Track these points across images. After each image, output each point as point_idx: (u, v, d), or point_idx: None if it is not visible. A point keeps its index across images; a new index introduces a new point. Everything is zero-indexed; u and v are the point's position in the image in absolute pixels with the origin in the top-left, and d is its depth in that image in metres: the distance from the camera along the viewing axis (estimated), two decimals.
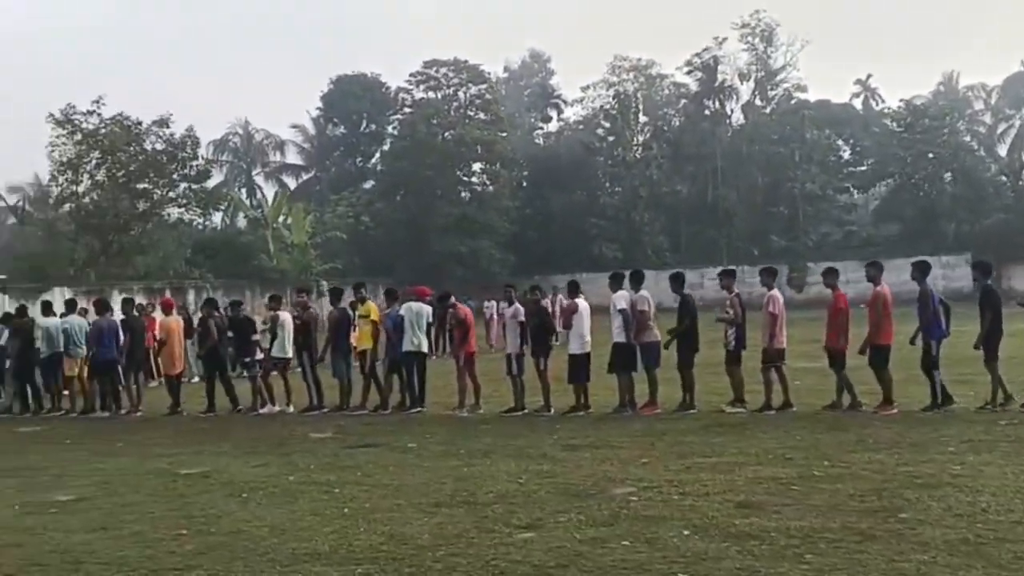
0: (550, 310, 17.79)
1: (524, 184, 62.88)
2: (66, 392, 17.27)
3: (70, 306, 17.88)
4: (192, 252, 45.03)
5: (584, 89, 65.61)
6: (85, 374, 16.91)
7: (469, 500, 8.38)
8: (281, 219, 51.18)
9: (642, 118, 63.59)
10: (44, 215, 45.22)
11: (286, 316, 16.68)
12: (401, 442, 11.93)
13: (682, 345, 13.50)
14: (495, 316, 28.28)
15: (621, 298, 13.56)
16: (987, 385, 12.59)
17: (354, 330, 16.03)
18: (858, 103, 70.10)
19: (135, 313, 17.82)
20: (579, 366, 13.89)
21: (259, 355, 16.65)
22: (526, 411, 14.16)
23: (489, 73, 62.34)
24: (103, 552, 7.24)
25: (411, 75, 60.53)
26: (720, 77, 61.94)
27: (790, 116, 59.58)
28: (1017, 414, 11.86)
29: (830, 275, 13.68)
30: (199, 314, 18.25)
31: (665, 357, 13.69)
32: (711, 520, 7.16)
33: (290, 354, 16.41)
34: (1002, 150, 61.52)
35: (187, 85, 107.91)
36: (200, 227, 51.51)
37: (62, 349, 16.83)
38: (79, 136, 38.74)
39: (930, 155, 55.44)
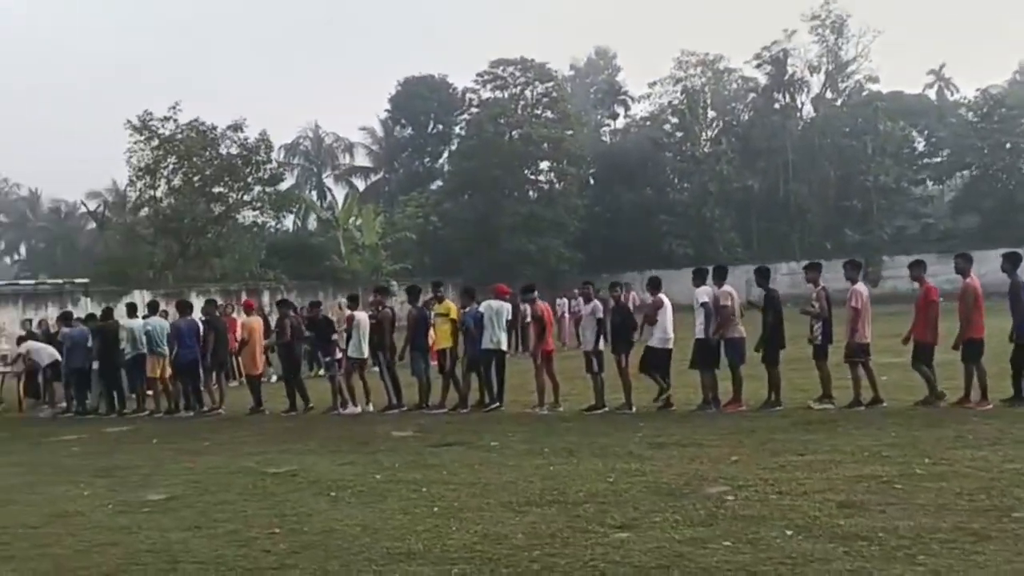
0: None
1: (592, 182, 62.58)
2: (150, 392, 17.59)
3: (152, 308, 18.18)
4: (266, 254, 45.69)
5: (651, 85, 65.13)
6: (168, 374, 17.18)
7: (559, 499, 8.27)
8: (352, 220, 51.71)
9: (710, 113, 62.88)
10: (123, 220, 46.31)
11: (362, 316, 16.74)
12: (483, 441, 11.86)
13: (767, 341, 13.20)
14: (567, 314, 28.13)
15: (703, 293, 13.34)
16: None
17: (432, 329, 16.03)
18: (932, 93, 68.52)
19: (217, 313, 18.03)
20: (655, 357, 13.70)
21: (339, 355, 16.76)
22: (607, 409, 14.01)
23: (556, 71, 62.21)
24: (199, 551, 7.29)
25: (478, 75, 60.64)
26: (790, 70, 60.94)
27: (862, 108, 58.35)
28: None
29: (917, 267, 13.28)
30: (274, 314, 18.53)
31: (749, 354, 13.42)
32: (813, 520, 6.95)
33: (366, 354, 16.51)
34: None
35: (259, 90, 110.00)
36: (273, 230, 52.29)
37: (145, 350, 17.12)
38: (156, 142, 39.57)
39: (1008, 145, 53.90)
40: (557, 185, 59.54)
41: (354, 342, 16.30)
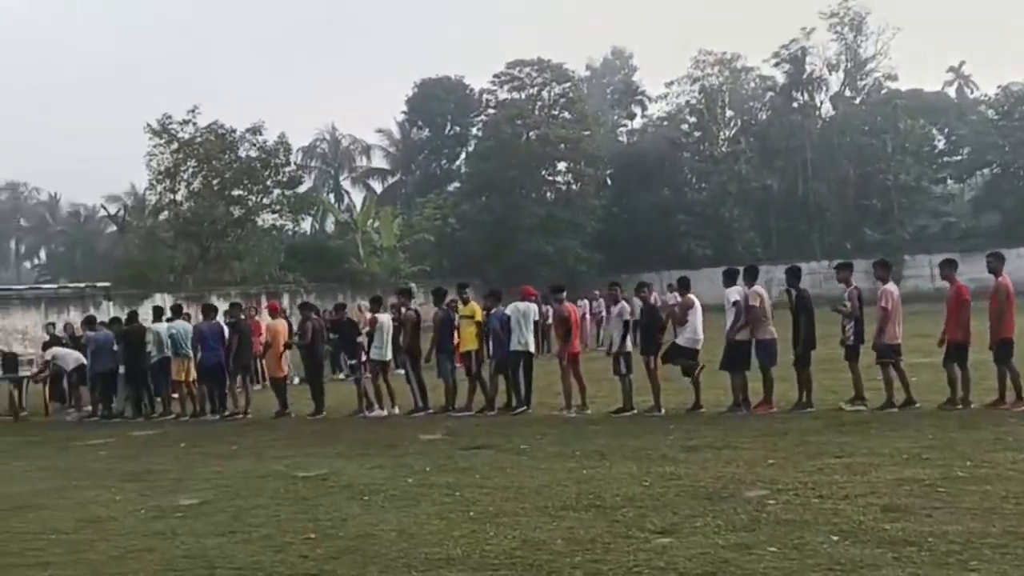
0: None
1: (609, 182, 62.47)
2: (175, 396, 17.60)
3: (176, 311, 18.20)
4: (285, 257, 45.84)
5: (668, 85, 64.99)
6: (193, 378, 17.18)
7: (596, 504, 8.17)
8: (370, 223, 51.80)
9: (728, 112, 62.69)
10: (142, 223, 46.57)
11: (384, 318, 16.69)
12: (513, 444, 11.77)
13: (798, 342, 13.07)
14: (587, 315, 28.00)
15: (734, 292, 13.23)
16: None
17: (456, 331, 15.96)
18: (951, 91, 68.08)
19: (242, 316, 18.02)
20: (680, 352, 13.60)
21: (364, 357, 16.73)
22: (635, 411, 13.90)
23: (572, 72, 62.12)
24: (235, 557, 7.23)
25: (495, 76, 60.69)
26: (808, 68, 60.67)
27: (881, 106, 58.06)
28: None
29: (948, 266, 13.11)
30: (295, 318, 18.52)
31: (784, 356, 13.30)
32: (859, 525, 6.84)
33: (388, 356, 16.47)
34: None
35: (275, 93, 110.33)
36: (291, 233, 52.50)
37: (170, 353, 17.14)
38: (175, 145, 39.74)
39: None
40: (574, 186, 59.46)
41: (377, 344, 16.25)
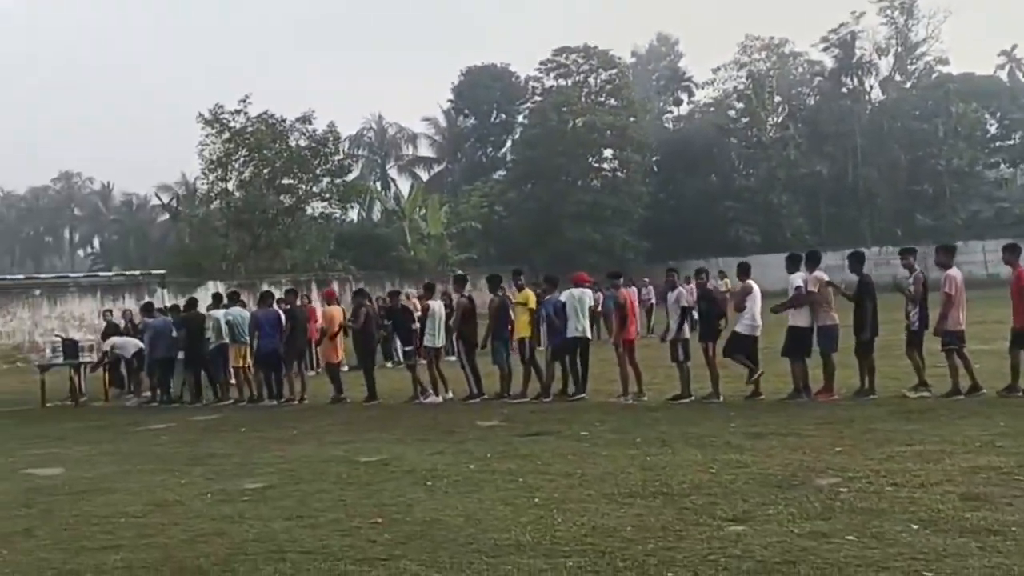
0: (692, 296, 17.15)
1: (656, 169, 62.04)
2: (233, 382, 17.78)
3: (233, 298, 18.39)
4: (334, 245, 46.09)
5: (715, 71, 64.52)
6: (250, 364, 17.34)
7: (663, 491, 8.09)
8: (417, 211, 51.93)
9: (776, 98, 61.91)
10: (194, 212, 47.12)
11: (437, 305, 16.72)
12: (572, 430, 11.72)
13: (860, 329, 12.86)
14: (634, 302, 27.72)
15: (797, 278, 13.03)
16: None
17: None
18: (1003, 75, 66.66)
19: (298, 303, 18.13)
20: (740, 343, 13.44)
21: (418, 344, 16.75)
22: (692, 398, 13.79)
23: (619, 58, 61.70)
24: (304, 541, 7.25)
25: (541, 63, 60.50)
26: (858, 53, 59.74)
27: (932, 90, 57.07)
28: None
29: (1010, 251, 12.81)
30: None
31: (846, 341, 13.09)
32: (938, 514, 6.69)
33: (440, 343, 16.49)
34: None
35: (323, 83, 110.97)
36: (339, 221, 52.80)
37: (227, 340, 17.32)
38: (227, 135, 40.08)
39: None
40: (620, 173, 59.10)
41: (429, 331, 16.28)
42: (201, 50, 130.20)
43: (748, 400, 13.28)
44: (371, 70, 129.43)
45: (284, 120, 41.37)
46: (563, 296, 15.00)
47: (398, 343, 20.36)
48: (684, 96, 70.65)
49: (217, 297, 18.67)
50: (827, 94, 60.37)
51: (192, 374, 18.00)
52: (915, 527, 6.42)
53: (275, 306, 17.69)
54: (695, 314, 14.94)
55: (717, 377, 13.69)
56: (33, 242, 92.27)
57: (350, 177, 48.52)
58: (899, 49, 59.31)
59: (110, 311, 22.96)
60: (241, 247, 41.68)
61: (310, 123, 41.49)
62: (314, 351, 20.16)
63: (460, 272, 22.30)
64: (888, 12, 58.61)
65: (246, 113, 40.30)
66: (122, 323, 20.86)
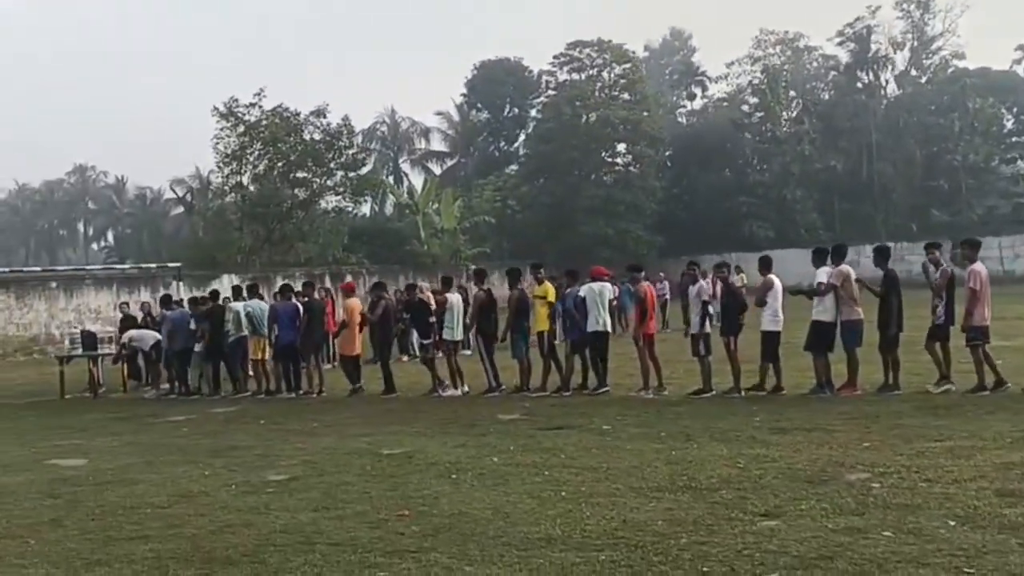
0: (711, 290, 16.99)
1: (669, 164, 61.81)
2: (251, 374, 17.79)
3: (252, 290, 18.40)
4: (348, 239, 46.09)
5: (728, 65, 64.15)
6: (269, 356, 17.35)
7: (691, 485, 8.04)
8: (431, 205, 51.87)
9: (790, 93, 61.57)
10: (209, 206, 47.20)
11: (455, 299, 16.68)
12: (595, 424, 11.67)
13: (885, 324, 12.76)
14: (654, 297, 27.63)
15: (823, 274, 12.93)
16: None
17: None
18: (1020, 70, 66.10)
19: (316, 296, 18.12)
20: (773, 343, 13.33)
21: (435, 337, 16.71)
22: (714, 393, 13.71)
23: (633, 52, 61.47)
24: (332, 532, 7.23)
25: (554, 57, 60.21)
26: (873, 47, 59.37)
27: (948, 85, 56.62)
28: None
29: None
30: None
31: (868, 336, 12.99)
32: (974, 510, 6.63)
33: (459, 336, 16.45)
34: None
35: (336, 77, 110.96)
36: (351, 214, 52.81)
37: (247, 332, 17.32)
38: (242, 128, 40.09)
39: None
40: (634, 168, 58.84)
41: (448, 324, 16.24)
42: (214, 44, 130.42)
43: (770, 395, 13.18)
44: (384, 64, 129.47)
45: (298, 114, 41.40)
46: (582, 290, 14.93)
47: (415, 336, 20.32)
48: (697, 91, 70.36)
49: (236, 290, 18.69)
50: (842, 89, 59.99)
51: (212, 366, 18.00)
52: (952, 523, 6.36)
53: (293, 299, 17.70)
54: (711, 308, 14.83)
55: (739, 372, 13.61)
56: (47, 235, 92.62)
57: (364, 171, 48.48)
58: (915, 43, 58.89)
59: (126, 303, 23.04)
60: (255, 240, 41.72)
61: (324, 116, 41.56)
62: (331, 344, 20.10)
63: (478, 266, 22.17)
64: (904, 6, 58.23)
65: (260, 107, 40.36)
66: (140, 315, 20.87)
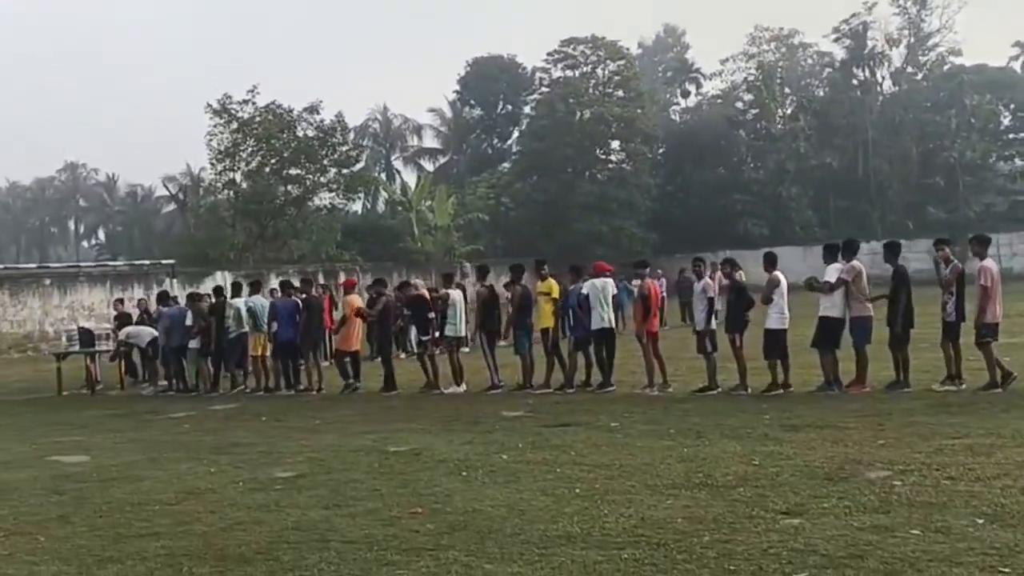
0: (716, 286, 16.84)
1: (663, 161, 61.73)
2: (250, 370, 17.63)
3: (255, 287, 18.30)
4: (341, 236, 45.91)
5: (723, 62, 64.18)
6: (268, 353, 17.20)
7: (707, 483, 7.92)
8: (424, 202, 51.69)
9: (785, 90, 61.56)
10: (201, 203, 46.98)
11: (457, 295, 16.55)
12: (602, 421, 11.55)
13: (893, 321, 12.66)
14: (659, 294, 27.48)
15: (834, 270, 12.81)
16: None
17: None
18: (1017, 66, 66.20)
19: (314, 292, 17.97)
20: (777, 341, 13.23)
21: (432, 334, 16.58)
22: (720, 390, 13.60)
23: (627, 49, 61.38)
24: (345, 530, 7.10)
25: (548, 54, 60.11)
26: (869, 43, 59.39)
27: (945, 82, 56.67)
28: None
29: None
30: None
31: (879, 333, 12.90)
32: (1002, 508, 6.52)
33: (462, 332, 16.32)
34: None
35: (328, 74, 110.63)
36: (344, 212, 52.60)
37: (248, 328, 17.18)
38: (235, 125, 39.88)
39: None
40: (627, 165, 58.71)
41: (450, 321, 16.10)
42: (207, 41, 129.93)
43: (774, 392, 13.07)
44: (377, 61, 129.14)
45: (292, 110, 41.19)
46: (585, 287, 14.79)
47: (413, 333, 20.18)
48: (692, 88, 70.33)
49: (236, 286, 18.54)
50: (838, 86, 60.00)
51: (214, 362, 17.85)
52: (980, 521, 6.25)
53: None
54: (717, 304, 14.69)
55: (745, 369, 13.49)
56: (38, 232, 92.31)
57: (356, 168, 48.28)
58: (911, 40, 58.90)
59: (121, 300, 22.76)
60: (248, 237, 41.52)
61: (318, 113, 41.40)
62: (330, 341, 19.94)
63: (480, 263, 22.04)
64: (900, 2, 58.24)
65: (254, 103, 40.17)
66: (136, 312, 20.69)
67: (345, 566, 6.22)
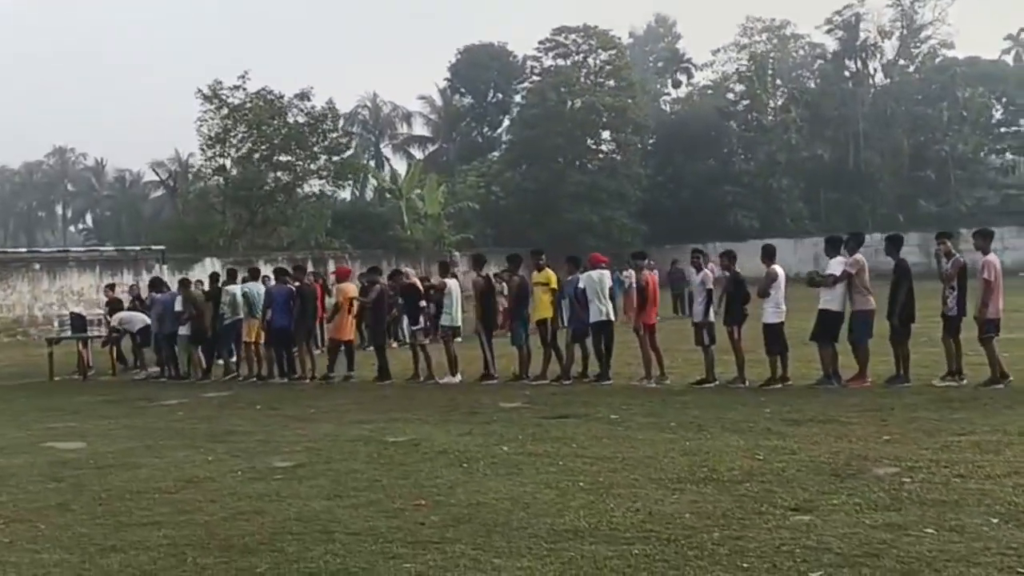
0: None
1: (654, 151, 61.59)
2: (243, 357, 17.51)
3: (254, 274, 18.21)
4: (331, 223, 45.65)
5: (714, 53, 64.09)
6: (262, 340, 17.08)
7: (712, 477, 7.85)
8: (414, 190, 51.42)
9: (777, 81, 61.48)
10: (191, 188, 46.65)
11: (454, 284, 16.44)
12: (601, 413, 11.47)
13: (890, 314, 12.61)
14: (633, 286, 27.40)
15: (837, 263, 12.74)
16: None
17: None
18: (1009, 59, 66.38)
19: (307, 280, 17.84)
20: (776, 335, 13.16)
21: (424, 323, 16.49)
22: (717, 383, 13.54)
23: (618, 39, 61.16)
24: (348, 521, 7.01)
25: (540, 42, 59.79)
26: (862, 35, 59.32)
27: (937, 74, 56.67)
28: None
29: None
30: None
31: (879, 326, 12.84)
32: (1016, 507, 6.46)
33: (459, 322, 16.24)
34: None
35: (318, 61, 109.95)
36: (333, 199, 52.28)
37: (242, 315, 17.06)
38: (226, 111, 39.55)
39: None
40: (618, 155, 58.50)
41: (447, 310, 15.99)
42: (196, 26, 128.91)
43: (771, 385, 13.01)
44: (367, 48, 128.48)
45: (282, 96, 40.88)
46: (582, 280, 14.69)
47: (405, 322, 20.06)
48: (683, 78, 70.19)
49: (231, 273, 18.41)
50: (829, 77, 59.94)
51: (205, 349, 17.71)
52: (995, 520, 6.19)
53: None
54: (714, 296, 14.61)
55: (743, 362, 13.42)
56: (26, 217, 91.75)
57: (346, 155, 47.98)
58: (904, 32, 58.77)
59: (112, 286, 22.57)
60: (238, 223, 41.23)
61: (308, 99, 41.09)
62: (323, 328, 19.80)
63: (477, 252, 21.89)
64: None
65: (245, 89, 39.83)
66: (127, 298, 20.53)
67: (351, 558, 6.13)
